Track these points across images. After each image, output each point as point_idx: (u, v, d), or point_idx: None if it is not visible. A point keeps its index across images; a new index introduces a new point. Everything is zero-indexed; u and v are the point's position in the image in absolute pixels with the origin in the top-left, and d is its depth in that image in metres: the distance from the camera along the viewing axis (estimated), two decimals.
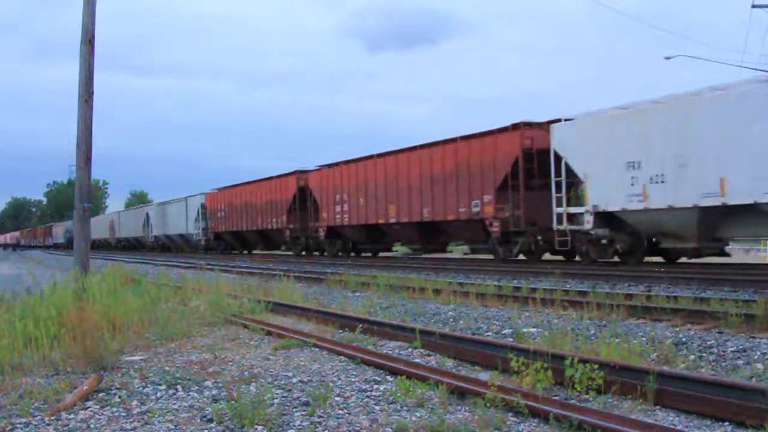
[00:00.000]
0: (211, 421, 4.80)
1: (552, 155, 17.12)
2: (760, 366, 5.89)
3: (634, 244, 16.33)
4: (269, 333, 8.70)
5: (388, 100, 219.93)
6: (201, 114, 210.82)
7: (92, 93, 11.52)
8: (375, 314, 10.27)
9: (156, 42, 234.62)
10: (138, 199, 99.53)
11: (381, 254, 28.53)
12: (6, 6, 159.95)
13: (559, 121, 17.33)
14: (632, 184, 15.22)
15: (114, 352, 7.07)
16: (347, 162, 26.97)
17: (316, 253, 30.89)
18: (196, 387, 5.83)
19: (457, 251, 26.54)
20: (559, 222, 17.05)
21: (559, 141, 17.07)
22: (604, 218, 16.22)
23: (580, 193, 17.22)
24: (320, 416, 4.88)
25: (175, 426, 4.74)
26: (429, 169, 21.75)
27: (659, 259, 17.06)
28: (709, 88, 14.16)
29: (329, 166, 28.55)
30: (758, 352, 6.27)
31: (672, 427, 4.40)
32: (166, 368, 6.57)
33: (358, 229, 26.51)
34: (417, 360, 6.76)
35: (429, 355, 7.09)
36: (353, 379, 6.03)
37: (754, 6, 25.92)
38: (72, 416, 5.03)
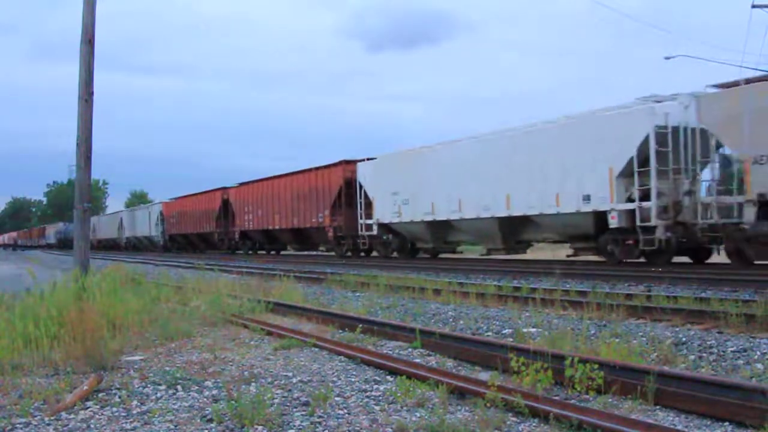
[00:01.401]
0: (211, 421, 4.80)
1: (357, 184, 25.63)
2: (760, 366, 5.89)
3: (402, 245, 24.72)
4: (269, 333, 8.70)
5: (388, 100, 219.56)
6: (201, 114, 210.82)
7: (92, 93, 11.51)
8: (375, 314, 10.26)
9: (156, 42, 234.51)
10: (138, 199, 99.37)
11: (282, 252, 37.04)
12: (6, 6, 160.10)
13: (363, 160, 25.89)
14: (394, 205, 23.49)
15: (114, 352, 7.07)
16: (253, 182, 35.78)
17: (239, 252, 37.94)
18: (196, 387, 5.83)
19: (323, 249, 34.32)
20: (362, 230, 25.52)
21: (361, 175, 25.70)
22: (385, 227, 24.62)
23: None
24: (320, 416, 4.88)
25: (175, 426, 4.74)
26: (297, 190, 30.09)
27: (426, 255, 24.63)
28: (437, 143, 22.61)
29: (243, 184, 37.11)
30: (758, 352, 6.27)
31: (672, 427, 4.40)
32: (166, 368, 6.57)
33: (259, 233, 35.31)
34: (417, 360, 6.76)
35: (429, 355, 7.08)
36: (353, 379, 6.03)
37: (754, 6, 25.92)
38: (72, 416, 5.03)
